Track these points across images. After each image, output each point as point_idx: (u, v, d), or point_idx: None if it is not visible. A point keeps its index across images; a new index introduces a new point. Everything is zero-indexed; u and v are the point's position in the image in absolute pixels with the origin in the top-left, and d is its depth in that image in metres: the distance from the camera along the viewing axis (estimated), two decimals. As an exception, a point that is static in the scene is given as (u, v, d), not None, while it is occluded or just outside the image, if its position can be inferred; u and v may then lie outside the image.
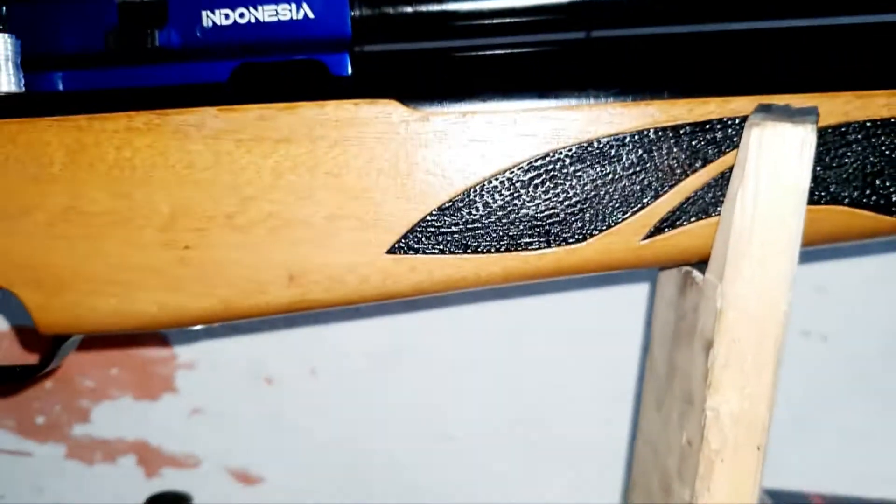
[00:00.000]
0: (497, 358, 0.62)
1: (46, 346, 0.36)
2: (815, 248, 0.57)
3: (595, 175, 0.32)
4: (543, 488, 0.63)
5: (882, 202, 0.31)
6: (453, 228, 0.32)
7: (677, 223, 0.32)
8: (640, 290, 0.58)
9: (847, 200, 0.31)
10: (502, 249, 0.32)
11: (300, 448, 0.65)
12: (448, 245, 0.32)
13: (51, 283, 0.33)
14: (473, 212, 0.32)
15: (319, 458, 0.65)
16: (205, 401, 0.65)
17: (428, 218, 0.32)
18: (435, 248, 0.32)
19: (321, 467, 0.65)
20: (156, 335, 0.65)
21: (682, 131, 0.31)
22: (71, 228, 0.32)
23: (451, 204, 0.32)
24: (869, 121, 0.31)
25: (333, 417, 0.64)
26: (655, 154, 0.31)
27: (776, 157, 0.29)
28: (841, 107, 0.31)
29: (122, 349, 0.65)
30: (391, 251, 0.32)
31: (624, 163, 0.32)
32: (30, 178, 0.32)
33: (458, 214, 0.32)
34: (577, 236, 0.32)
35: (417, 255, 0.32)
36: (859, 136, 0.31)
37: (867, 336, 0.60)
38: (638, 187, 0.32)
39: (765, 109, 0.29)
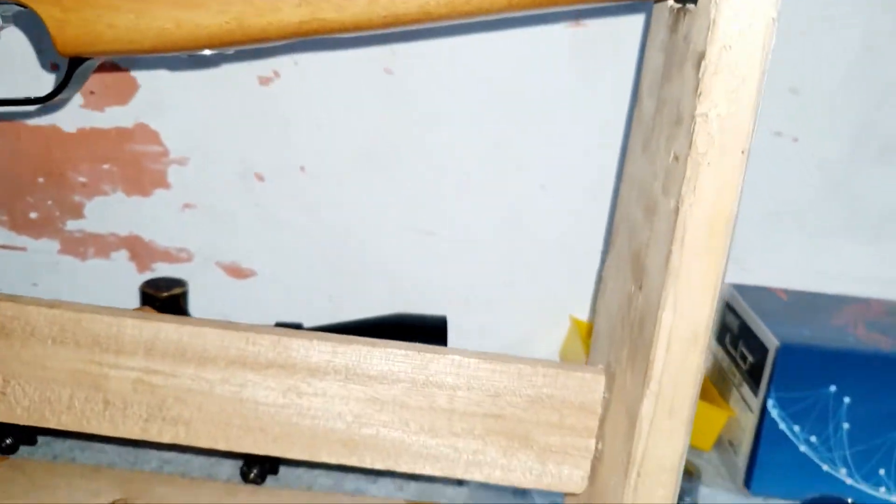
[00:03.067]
0: (473, 161, 0.64)
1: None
2: (790, 49, 0.59)
3: None
4: (517, 276, 0.67)
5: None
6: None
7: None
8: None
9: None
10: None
11: (290, 242, 0.68)
12: (457, -36, 0.34)
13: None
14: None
15: (309, 251, 0.68)
16: (196, 196, 0.67)
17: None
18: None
19: (310, 260, 0.68)
20: (148, 131, 0.65)
21: None
22: (88, -62, 0.33)
23: (461, -78, 0.33)
24: None
25: (322, 213, 0.67)
26: None
27: None
28: None
29: (115, 144, 0.66)
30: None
31: None
32: None
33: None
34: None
35: (427, -25, 0.34)
36: None
37: (837, 139, 0.63)
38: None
39: None
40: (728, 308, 0.64)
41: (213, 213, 0.68)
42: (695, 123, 0.32)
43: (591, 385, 0.41)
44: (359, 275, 0.68)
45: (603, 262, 0.50)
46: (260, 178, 0.66)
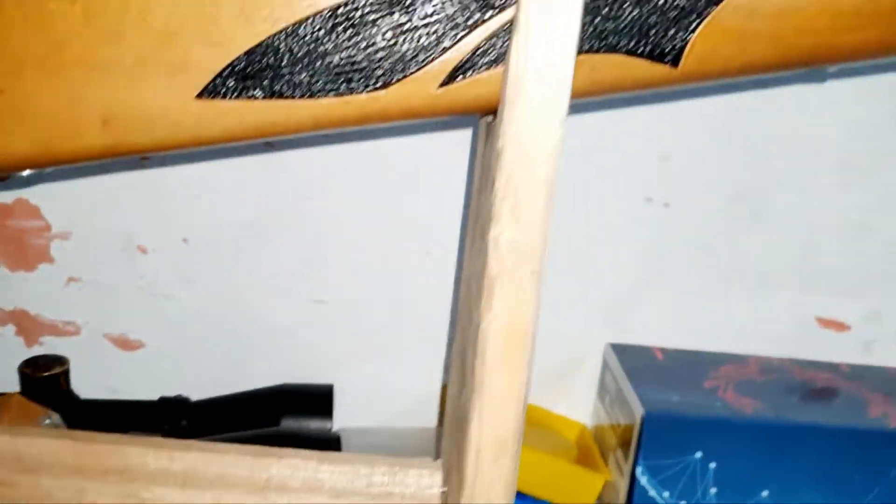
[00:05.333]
0: (363, 225, 0.65)
1: None
2: (658, 116, 0.61)
3: (393, 24, 0.34)
4: (409, 344, 0.67)
5: (654, 51, 0.34)
6: (260, 73, 0.34)
7: (470, 71, 0.34)
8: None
9: (624, 50, 0.34)
10: (308, 96, 0.34)
11: (176, 314, 0.67)
12: (256, 90, 0.34)
13: None
14: (279, 57, 0.34)
15: (195, 322, 0.68)
16: (81, 270, 0.67)
17: (235, 62, 0.34)
18: (243, 93, 0.34)
19: (197, 331, 0.68)
20: (28, 206, 0.65)
21: (466, -18, 0.33)
22: None
23: (257, 49, 0.34)
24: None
25: (206, 284, 0.67)
26: (447, 5, 0.33)
27: (546, 10, 0.31)
28: (616, -39, 0.33)
29: (-5, 221, 0.66)
30: (200, 95, 0.34)
31: (419, 13, 0.34)
32: None
33: (265, 60, 0.34)
34: (377, 83, 0.34)
35: (226, 100, 0.34)
36: (635, -11, 0.33)
37: (710, 201, 0.64)
38: (434, 37, 0.34)
39: (535, -41, 0.32)
40: (606, 367, 0.65)
41: (97, 286, 0.67)
42: (487, 245, 0.33)
43: (427, 481, 0.42)
44: (247, 345, 0.68)
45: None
46: (143, 250, 0.66)
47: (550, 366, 0.68)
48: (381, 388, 0.68)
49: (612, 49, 0.34)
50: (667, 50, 0.34)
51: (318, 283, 0.66)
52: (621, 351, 0.65)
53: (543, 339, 0.67)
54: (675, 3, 0.33)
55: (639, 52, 0.34)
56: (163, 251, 0.66)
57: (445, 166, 0.63)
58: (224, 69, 0.34)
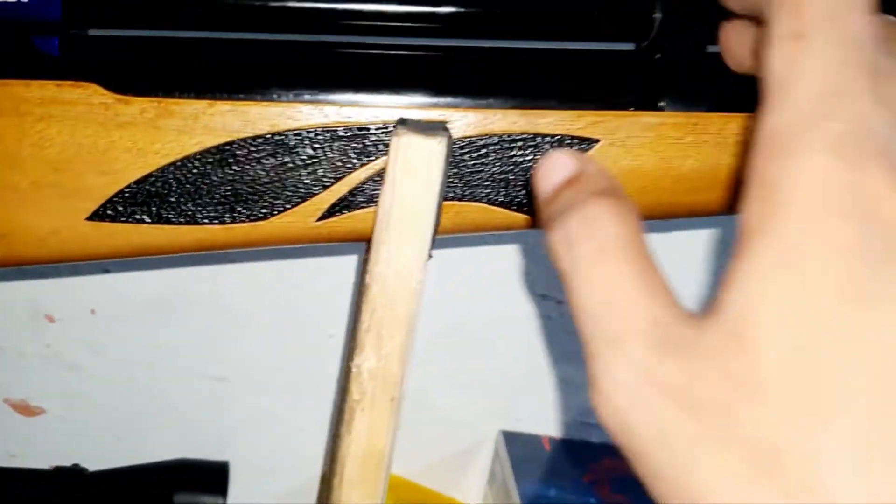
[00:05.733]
0: (265, 305, 0.67)
1: None
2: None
3: (276, 163, 0.37)
4: (304, 423, 0.69)
5: (513, 201, 0.38)
6: (149, 201, 0.37)
7: (346, 210, 0.37)
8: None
9: (485, 199, 0.38)
10: (193, 222, 0.37)
11: (79, 383, 0.69)
12: (143, 215, 0.37)
13: None
14: (167, 187, 0.37)
15: (98, 393, 0.69)
16: (-13, 335, 0.68)
17: (125, 190, 0.36)
18: (131, 218, 0.37)
19: (99, 402, 0.69)
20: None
21: (342, 133, 0.36)
22: None
23: (145, 179, 0.36)
24: (505, 134, 0.37)
25: (111, 355, 0.68)
26: (328, 150, 0.37)
27: (411, 163, 0.35)
28: (481, 120, 0.37)
29: None
30: (90, 218, 0.36)
31: (301, 155, 0.37)
32: None
33: (153, 189, 0.37)
34: (259, 214, 0.37)
35: (115, 223, 0.37)
36: (498, 147, 0.37)
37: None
38: (313, 177, 0.37)
39: (403, 123, 0.35)
40: (496, 455, 0.68)
41: (3, 352, 0.68)
42: (350, 373, 0.36)
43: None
44: (147, 418, 0.70)
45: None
46: (51, 319, 0.67)
47: (448, 451, 0.71)
48: (277, 466, 0.70)
49: (475, 199, 0.38)
50: (524, 201, 0.38)
51: (218, 360, 0.68)
52: (511, 440, 0.68)
53: (442, 424, 0.71)
54: (531, 164, 0.37)
55: (499, 202, 0.38)
56: (70, 321, 0.68)
57: (347, 247, 0.66)
58: (114, 196, 0.36)
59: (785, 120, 0.20)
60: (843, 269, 0.19)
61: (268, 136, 0.36)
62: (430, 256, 0.36)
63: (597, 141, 0.37)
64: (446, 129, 0.35)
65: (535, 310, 0.68)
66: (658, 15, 0.39)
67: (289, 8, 0.38)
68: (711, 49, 0.39)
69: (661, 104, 0.38)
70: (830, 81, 0.20)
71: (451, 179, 0.37)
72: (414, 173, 0.35)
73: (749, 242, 0.20)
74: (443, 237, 0.38)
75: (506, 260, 0.66)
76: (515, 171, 0.37)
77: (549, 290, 0.68)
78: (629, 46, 0.41)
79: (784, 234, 0.20)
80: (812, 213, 0.19)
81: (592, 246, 0.23)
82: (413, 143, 0.34)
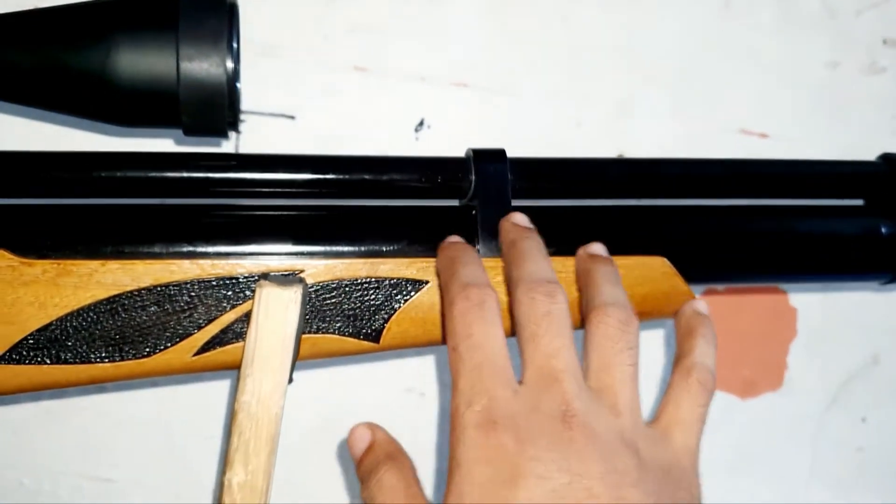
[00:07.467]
0: (152, 408, 0.73)
1: None
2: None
3: (159, 311, 0.44)
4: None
5: (361, 332, 0.46)
6: (49, 345, 0.43)
7: (219, 346, 0.45)
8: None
9: (337, 332, 0.46)
10: (87, 361, 0.44)
11: (-30, 492, 0.72)
12: (45, 358, 0.43)
13: None
14: (65, 334, 0.43)
15: (-11, 499, 0.73)
16: None
17: (28, 337, 0.43)
18: (34, 360, 0.43)
19: (-9, 508, 0.73)
20: None
21: (215, 283, 0.44)
22: None
23: (46, 327, 0.43)
24: (352, 279, 0.45)
25: (2, 460, 0.72)
26: (202, 297, 0.44)
27: (271, 310, 0.43)
28: (331, 269, 0.45)
29: None
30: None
31: (181, 301, 0.44)
32: None
33: (53, 336, 0.43)
34: (144, 353, 0.44)
35: (20, 365, 0.43)
36: (346, 289, 0.46)
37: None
38: (190, 320, 0.44)
39: (265, 276, 0.43)
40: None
41: None
42: (222, 485, 0.43)
43: None
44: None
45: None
46: (-58, 430, 0.71)
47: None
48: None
49: (329, 332, 0.46)
50: (370, 332, 0.46)
51: (105, 462, 0.73)
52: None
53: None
54: (374, 302, 0.46)
55: (348, 333, 0.46)
56: (-39, 432, 0.71)
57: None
58: (19, 342, 0.43)
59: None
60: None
61: (151, 287, 0.44)
62: (292, 381, 0.44)
63: (427, 282, 0.47)
64: (302, 280, 0.44)
65: (413, 402, 0.76)
66: (472, 177, 0.49)
67: (167, 178, 0.46)
68: (516, 203, 0.49)
69: (476, 248, 0.48)
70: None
71: (307, 317, 0.46)
72: (274, 318, 0.43)
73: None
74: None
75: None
76: (362, 307, 0.46)
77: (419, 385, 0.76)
78: (454, 202, 0.50)
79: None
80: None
81: (385, 499, 0.39)
82: (273, 294, 0.43)
